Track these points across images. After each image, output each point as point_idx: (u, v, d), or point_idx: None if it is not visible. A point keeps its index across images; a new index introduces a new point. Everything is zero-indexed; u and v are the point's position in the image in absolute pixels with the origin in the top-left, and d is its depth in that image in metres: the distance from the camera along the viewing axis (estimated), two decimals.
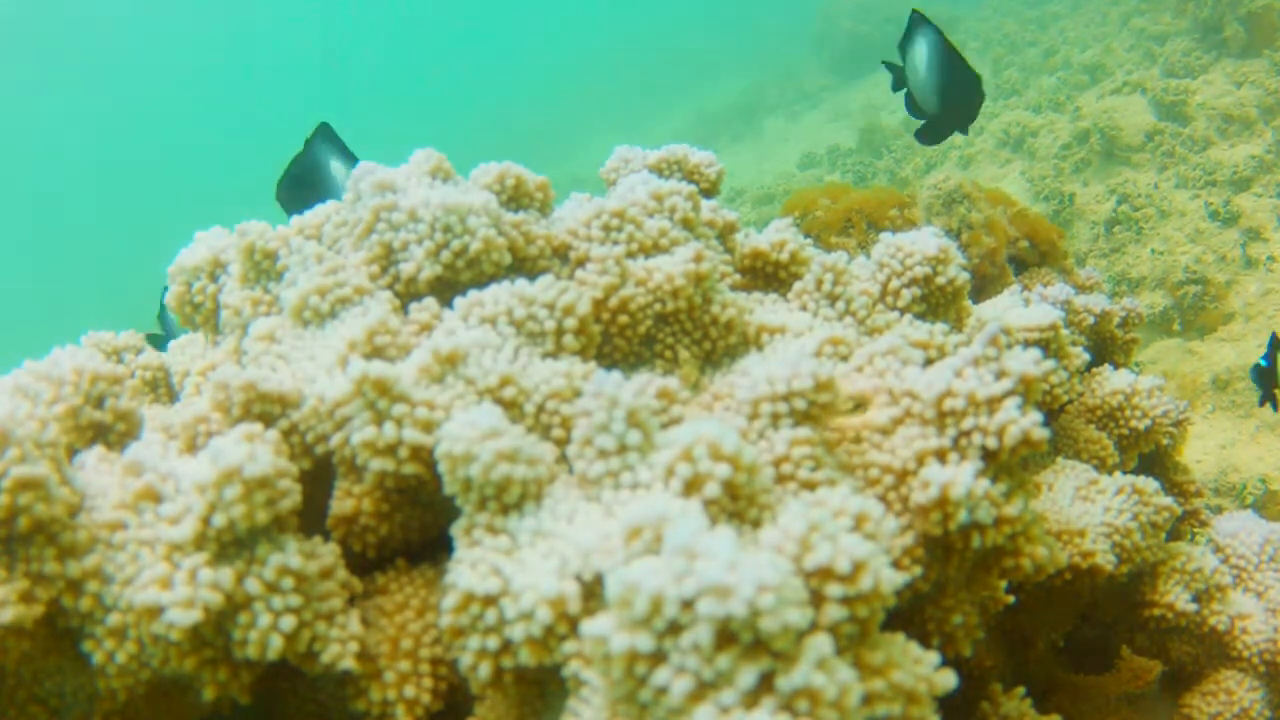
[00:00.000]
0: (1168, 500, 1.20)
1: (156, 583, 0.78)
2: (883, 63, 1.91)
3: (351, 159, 1.88)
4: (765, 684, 0.61)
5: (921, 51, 1.76)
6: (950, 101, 1.77)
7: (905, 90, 1.87)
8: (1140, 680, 1.28)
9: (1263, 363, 2.03)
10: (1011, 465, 0.85)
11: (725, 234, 1.19)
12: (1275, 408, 2.03)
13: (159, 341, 1.84)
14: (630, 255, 1.06)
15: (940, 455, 0.86)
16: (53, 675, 0.86)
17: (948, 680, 0.69)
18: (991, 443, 0.83)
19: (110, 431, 0.96)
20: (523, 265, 1.06)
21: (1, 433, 0.77)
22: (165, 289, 1.17)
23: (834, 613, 0.64)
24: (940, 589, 0.93)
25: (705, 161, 1.28)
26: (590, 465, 0.79)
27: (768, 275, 1.18)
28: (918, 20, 1.77)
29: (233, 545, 0.78)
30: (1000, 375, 0.84)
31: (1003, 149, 5.16)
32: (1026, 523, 0.87)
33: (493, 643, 0.76)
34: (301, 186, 1.84)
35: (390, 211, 1.04)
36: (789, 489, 0.84)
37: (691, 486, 0.74)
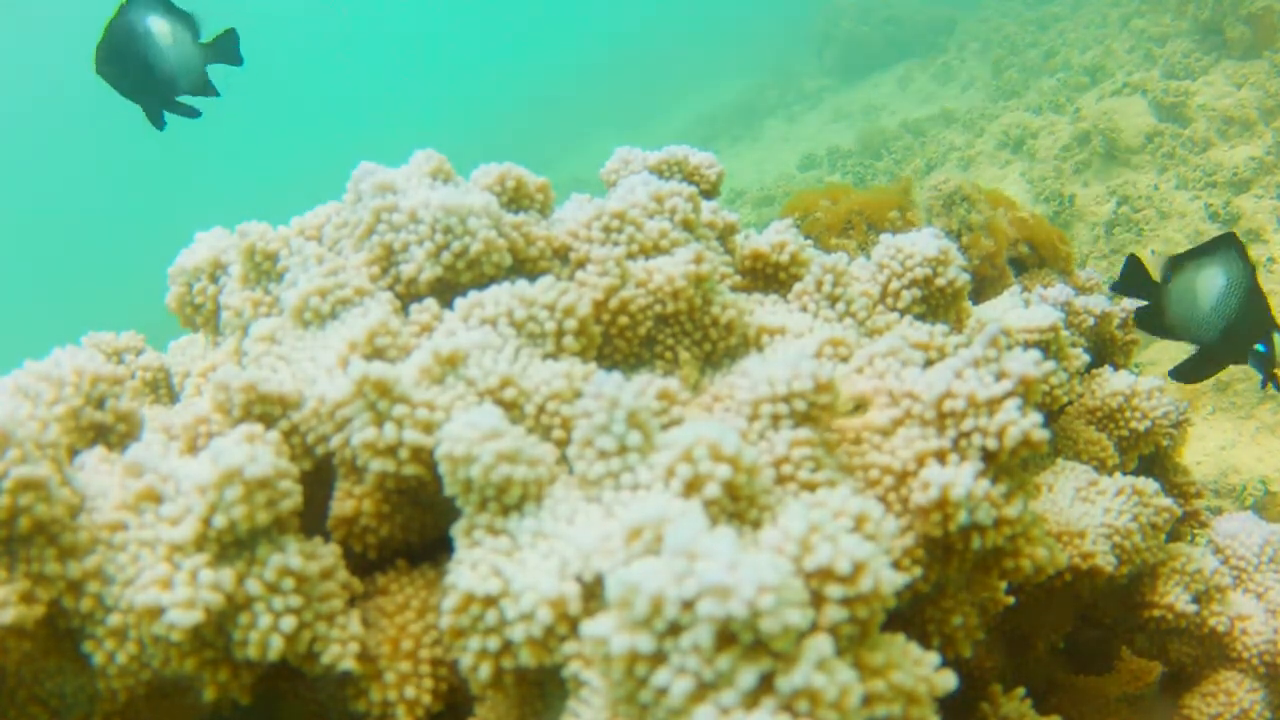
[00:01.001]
0: (1167, 501, 1.20)
1: (157, 583, 0.78)
2: (1128, 259, 1.65)
3: (178, 15, 1.70)
4: (765, 685, 0.61)
5: (1216, 281, 1.53)
6: (1235, 338, 1.55)
7: (1145, 302, 1.63)
8: (1140, 681, 1.28)
9: (1259, 349, 1.95)
10: (1011, 466, 0.85)
11: (725, 235, 1.19)
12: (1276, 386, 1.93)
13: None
14: (631, 256, 1.06)
15: (940, 456, 0.86)
16: (53, 676, 0.86)
17: (948, 681, 0.69)
18: (991, 444, 0.83)
19: (111, 432, 0.96)
20: (523, 266, 1.06)
21: (2, 433, 0.78)
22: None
23: (834, 613, 0.65)
24: (940, 590, 0.93)
25: (705, 163, 1.28)
26: (591, 466, 0.79)
27: (768, 276, 1.18)
28: (1227, 243, 1.53)
29: (233, 546, 0.79)
30: (1000, 376, 0.84)
31: (1003, 150, 5.16)
32: (1026, 524, 0.87)
33: (493, 643, 0.76)
34: (123, 57, 1.69)
35: (391, 213, 1.04)
36: (789, 490, 0.84)
37: (692, 487, 0.74)
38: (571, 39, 19.68)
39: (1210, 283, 1.52)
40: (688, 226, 1.10)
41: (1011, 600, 1.00)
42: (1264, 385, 1.83)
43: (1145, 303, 1.59)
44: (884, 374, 0.95)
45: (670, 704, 0.62)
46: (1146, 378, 1.38)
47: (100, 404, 0.96)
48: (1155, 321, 1.61)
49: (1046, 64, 6.41)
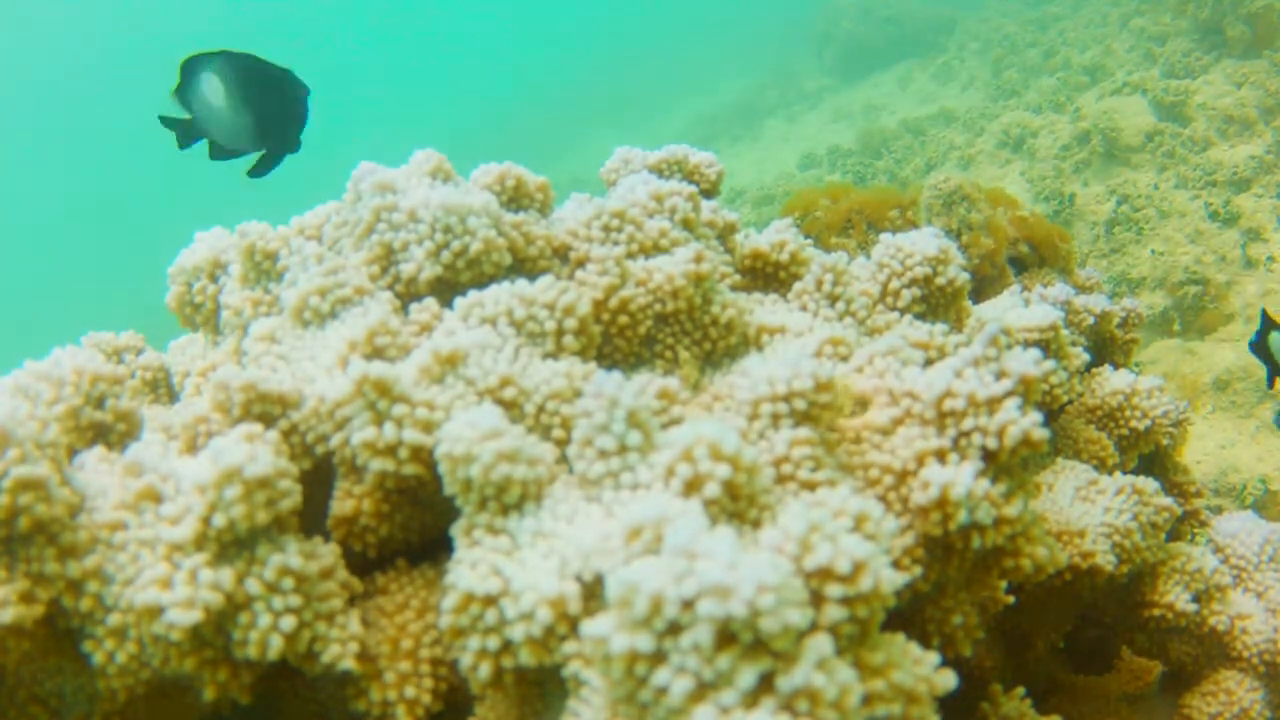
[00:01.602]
0: (1168, 500, 1.20)
1: (157, 583, 0.78)
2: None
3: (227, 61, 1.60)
4: (765, 684, 0.61)
5: None
6: None
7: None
8: (1140, 681, 1.28)
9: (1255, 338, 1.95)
10: (1011, 466, 0.85)
11: (725, 234, 1.19)
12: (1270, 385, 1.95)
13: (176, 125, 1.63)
14: (630, 256, 1.06)
15: (940, 455, 0.86)
16: (53, 675, 0.86)
17: (948, 680, 0.69)
18: (991, 443, 0.83)
19: (110, 432, 0.96)
20: (523, 266, 1.06)
21: (2, 433, 0.77)
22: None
23: (834, 613, 0.65)
24: (940, 589, 0.93)
25: (705, 162, 1.28)
26: (590, 465, 0.79)
27: (768, 276, 1.18)
28: None
29: (233, 545, 0.78)
30: (1000, 376, 0.84)
31: (1003, 149, 5.16)
32: (1026, 523, 0.87)
33: (493, 643, 0.76)
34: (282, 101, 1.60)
35: (390, 212, 1.04)
36: (789, 489, 0.84)
37: (692, 487, 0.74)
38: (572, 38, 19.69)
39: None
40: (688, 226, 1.10)
41: (1011, 599, 1.00)
42: (1270, 384, 1.85)
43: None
44: (884, 373, 0.95)
45: (670, 703, 0.62)
46: (1146, 377, 1.38)
47: (100, 403, 0.96)
48: None
49: (1046, 63, 6.41)
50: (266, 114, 1.60)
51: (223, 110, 1.59)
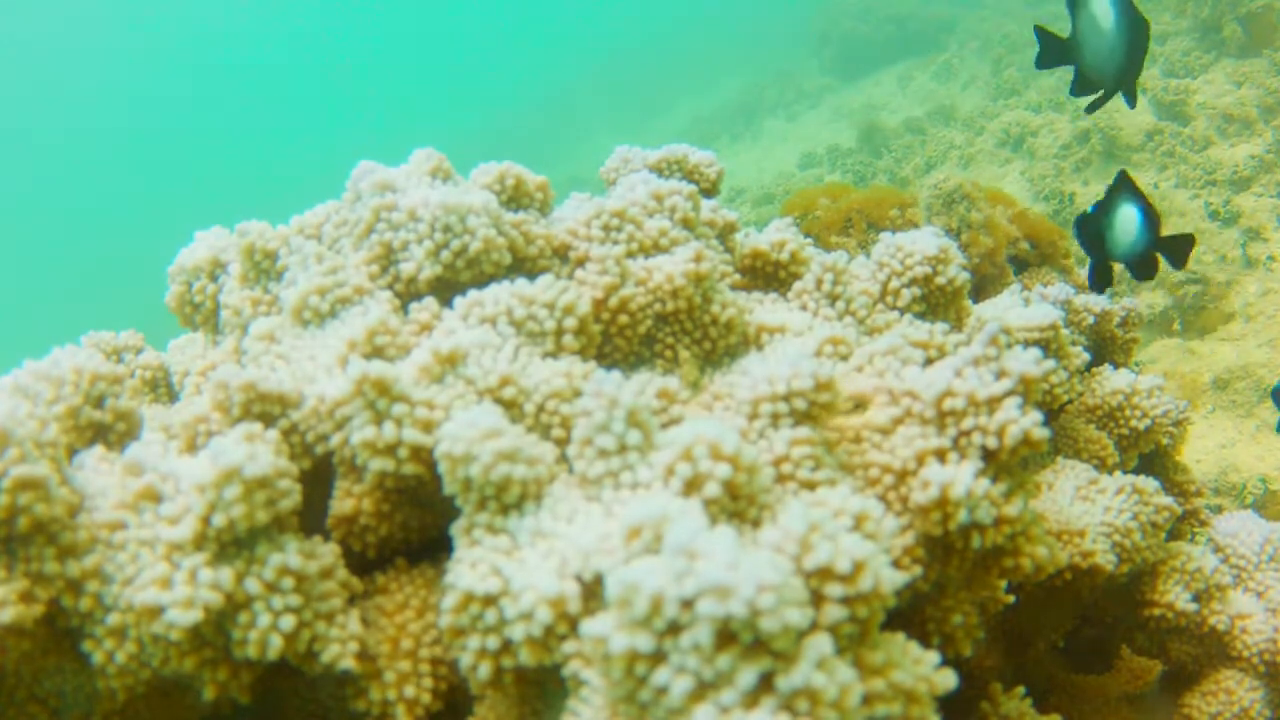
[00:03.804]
0: (1168, 500, 1.20)
1: (156, 583, 0.78)
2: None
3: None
4: (765, 684, 0.61)
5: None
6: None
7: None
8: (1140, 680, 1.28)
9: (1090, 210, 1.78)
10: (1011, 465, 0.85)
11: (725, 234, 1.19)
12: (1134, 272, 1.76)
13: None
14: (630, 255, 1.06)
15: (940, 455, 0.86)
16: (52, 675, 0.86)
17: (948, 680, 0.69)
18: (991, 442, 0.83)
19: (110, 431, 0.96)
20: (523, 265, 1.06)
21: (2, 432, 0.77)
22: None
23: (834, 612, 0.64)
24: (940, 589, 0.93)
25: (705, 161, 1.28)
26: (590, 465, 0.79)
27: (768, 275, 1.18)
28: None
29: (233, 545, 0.78)
30: (1000, 375, 0.84)
31: (1003, 148, 5.16)
32: (1026, 522, 0.87)
33: (493, 642, 0.76)
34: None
35: (390, 211, 1.04)
36: (789, 489, 0.84)
37: (691, 486, 0.74)
38: (571, 38, 19.69)
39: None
40: (687, 225, 1.10)
41: (1011, 599, 1.00)
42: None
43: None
44: (884, 372, 0.95)
45: (670, 703, 0.62)
46: (1146, 376, 1.38)
47: (99, 403, 0.96)
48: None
49: None
50: (1135, 47, 1.56)
51: (1104, 35, 1.56)
